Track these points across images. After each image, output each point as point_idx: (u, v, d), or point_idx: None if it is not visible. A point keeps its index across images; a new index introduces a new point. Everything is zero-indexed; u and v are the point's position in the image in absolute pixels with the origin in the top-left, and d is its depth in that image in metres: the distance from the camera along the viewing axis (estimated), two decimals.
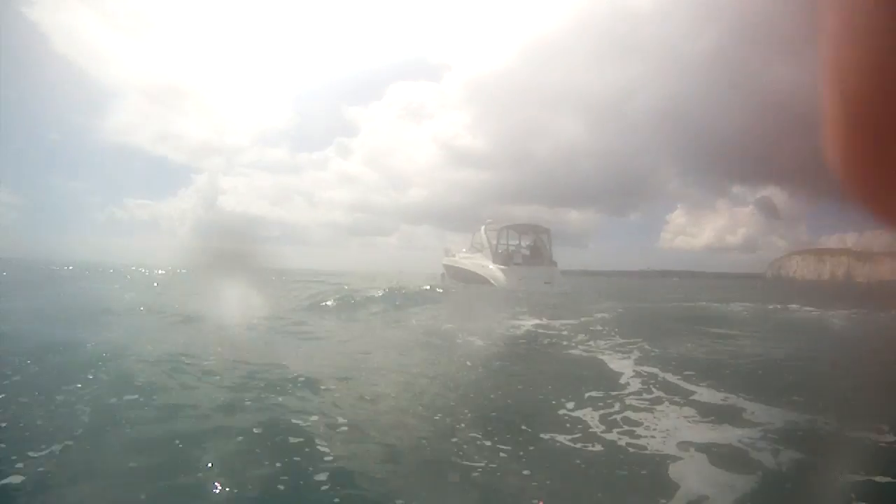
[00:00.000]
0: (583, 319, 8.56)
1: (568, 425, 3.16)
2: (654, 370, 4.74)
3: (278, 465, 2.34)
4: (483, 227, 17.43)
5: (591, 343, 6.37)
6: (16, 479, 2.12)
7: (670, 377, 4.50)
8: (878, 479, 2.40)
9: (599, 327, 7.69)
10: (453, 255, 18.74)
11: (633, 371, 4.74)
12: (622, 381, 4.39)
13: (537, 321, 8.26)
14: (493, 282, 16.34)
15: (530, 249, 17.49)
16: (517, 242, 17.87)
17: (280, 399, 3.33)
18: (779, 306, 13.20)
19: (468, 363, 4.94)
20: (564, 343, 6.46)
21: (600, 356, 5.48)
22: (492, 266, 16.67)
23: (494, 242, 17.23)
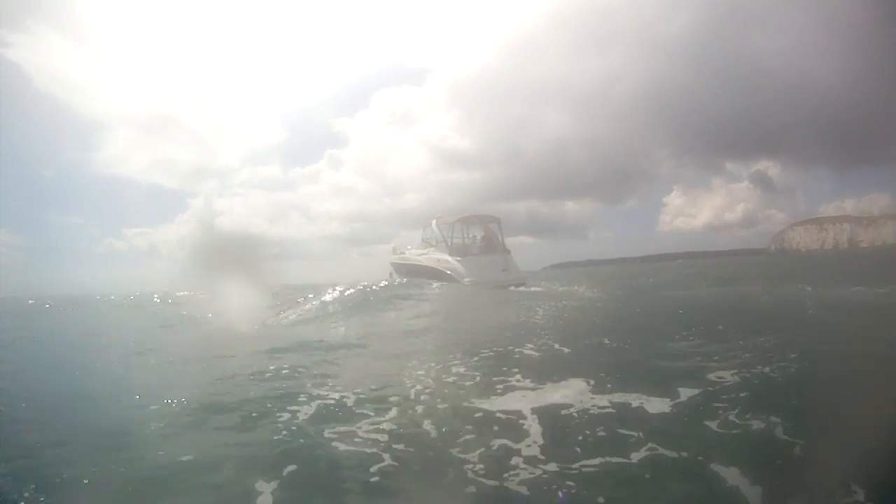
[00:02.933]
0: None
1: None
2: None
3: None
4: (434, 222, 17.57)
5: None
6: None
7: None
8: None
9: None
10: (402, 253, 18.88)
11: None
12: None
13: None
14: (451, 273, 16.50)
15: (483, 240, 17.68)
16: (469, 235, 18.07)
17: None
18: None
19: None
20: None
21: None
22: (450, 258, 16.84)
23: (449, 235, 17.43)
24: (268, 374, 4.54)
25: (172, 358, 6.02)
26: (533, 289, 15.91)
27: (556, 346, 5.33)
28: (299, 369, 4.72)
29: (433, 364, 4.71)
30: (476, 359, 4.87)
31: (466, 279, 15.98)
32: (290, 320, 9.45)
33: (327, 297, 11.39)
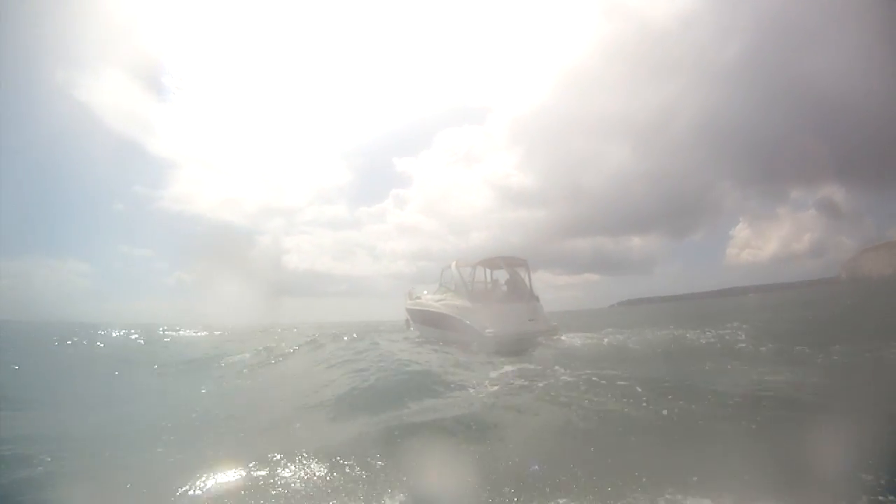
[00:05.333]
0: None
1: None
2: None
3: None
4: (454, 264, 15.84)
5: None
6: None
7: None
8: None
9: None
10: (418, 298, 17.17)
11: None
12: None
13: None
14: (470, 323, 14.68)
15: (508, 285, 15.76)
16: (492, 278, 16.23)
17: None
18: None
19: None
20: None
21: None
22: (469, 305, 15.01)
23: (469, 280, 15.65)
24: None
25: None
26: (574, 341, 13.61)
27: None
28: None
29: None
30: None
31: (488, 330, 14.07)
32: None
33: None
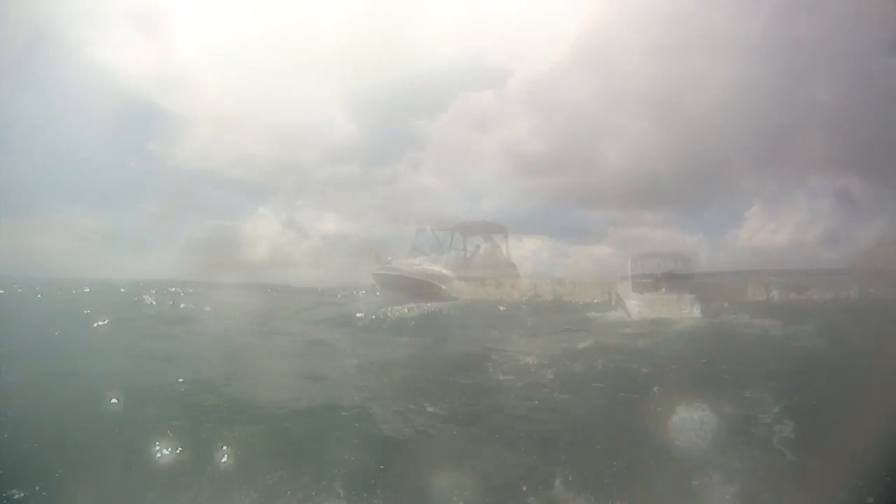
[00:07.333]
0: None
1: None
2: None
3: None
4: (429, 227, 15.27)
5: None
6: None
7: None
8: None
9: None
10: (388, 261, 16.57)
11: None
12: None
13: None
14: (446, 289, 14.21)
15: (485, 253, 15.19)
16: (467, 245, 15.62)
17: None
18: None
19: None
20: None
21: None
22: (445, 272, 14.48)
23: (447, 245, 15.10)
24: None
25: None
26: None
27: None
28: None
29: None
30: None
31: (465, 296, 13.60)
32: None
33: None
